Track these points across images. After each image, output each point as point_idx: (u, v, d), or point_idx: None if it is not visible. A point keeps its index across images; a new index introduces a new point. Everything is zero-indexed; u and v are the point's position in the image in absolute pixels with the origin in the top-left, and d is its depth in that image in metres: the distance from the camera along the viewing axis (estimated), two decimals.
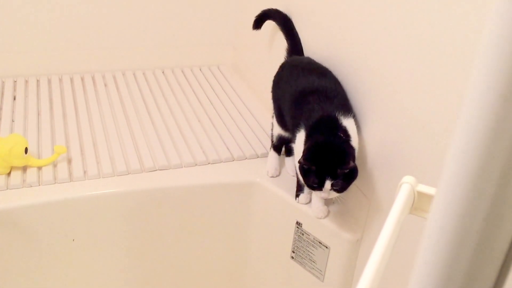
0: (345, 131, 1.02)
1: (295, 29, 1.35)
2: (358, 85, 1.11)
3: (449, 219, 0.27)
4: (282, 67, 1.26)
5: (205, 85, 1.71)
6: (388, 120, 1.01)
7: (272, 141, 1.31)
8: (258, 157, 1.39)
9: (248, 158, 1.38)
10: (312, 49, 1.30)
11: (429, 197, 0.49)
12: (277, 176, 1.30)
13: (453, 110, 0.81)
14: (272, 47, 1.54)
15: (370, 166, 1.10)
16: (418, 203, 0.50)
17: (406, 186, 0.49)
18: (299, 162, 1.00)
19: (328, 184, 0.98)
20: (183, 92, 1.66)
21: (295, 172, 1.24)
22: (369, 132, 1.09)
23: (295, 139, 1.10)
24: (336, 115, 1.03)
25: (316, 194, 1.06)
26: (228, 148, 1.40)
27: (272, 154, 1.31)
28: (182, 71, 1.78)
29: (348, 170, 0.97)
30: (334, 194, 1.01)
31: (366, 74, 1.07)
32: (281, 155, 1.33)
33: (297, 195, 1.21)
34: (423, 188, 0.50)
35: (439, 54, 0.84)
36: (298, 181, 1.19)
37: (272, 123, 1.30)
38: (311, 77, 1.13)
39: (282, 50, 1.39)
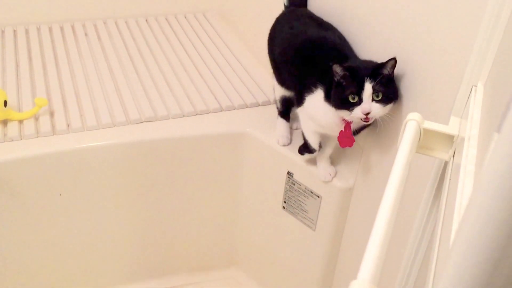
0: None
1: None
2: (355, 28, 1.06)
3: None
4: (278, 21, 1.15)
5: (191, 34, 1.64)
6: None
7: (277, 107, 1.22)
8: (247, 106, 1.35)
9: (237, 108, 1.34)
10: None
11: (435, 134, 0.46)
12: (288, 144, 1.21)
13: (449, 51, 0.77)
14: None
15: None
16: (424, 141, 0.47)
17: (412, 124, 0.45)
18: (331, 66, 0.88)
19: (368, 87, 0.85)
20: (168, 41, 1.59)
21: (285, 141, 1.20)
22: None
23: (302, 102, 1.02)
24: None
25: (354, 115, 0.88)
26: (216, 98, 1.35)
27: (280, 121, 1.22)
28: (167, 19, 1.71)
29: (389, 70, 0.87)
30: (377, 111, 0.87)
31: (366, 17, 1.02)
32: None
33: (302, 153, 1.14)
34: (430, 125, 0.46)
35: None
36: (305, 142, 1.11)
37: (273, 86, 1.21)
38: (317, 30, 1.03)
39: None
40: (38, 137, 1.18)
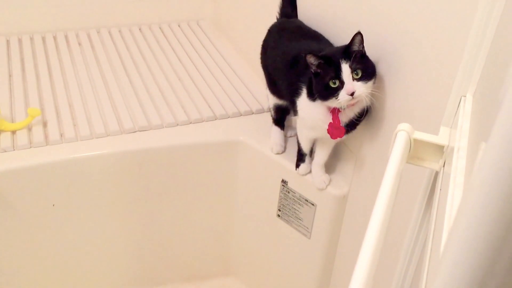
0: None
1: None
2: (345, 37, 1.06)
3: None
4: (270, 32, 1.16)
5: (184, 42, 1.65)
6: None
7: (271, 115, 1.23)
8: (241, 115, 1.35)
9: (231, 117, 1.34)
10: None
11: (426, 144, 0.46)
12: (282, 152, 1.21)
13: (433, 65, 0.77)
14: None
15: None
16: (415, 151, 0.47)
17: (402, 134, 0.46)
18: (305, 57, 0.90)
19: (345, 68, 0.87)
20: (162, 50, 1.59)
21: (279, 149, 1.20)
22: None
23: (296, 108, 1.02)
24: None
25: (341, 100, 0.88)
26: (210, 107, 1.35)
27: (274, 129, 1.23)
28: (160, 28, 1.71)
29: (358, 46, 0.88)
30: (360, 89, 0.87)
31: (355, 27, 1.03)
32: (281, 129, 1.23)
33: (297, 165, 1.15)
34: (419, 135, 0.47)
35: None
36: (299, 150, 1.14)
37: (267, 95, 1.22)
38: (306, 40, 1.05)
39: (265, 2, 1.33)
40: (31, 147, 1.18)
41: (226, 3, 1.68)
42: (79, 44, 1.58)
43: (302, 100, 1.00)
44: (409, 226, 0.55)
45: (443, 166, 0.48)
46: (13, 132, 1.20)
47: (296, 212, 1.22)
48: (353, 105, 0.93)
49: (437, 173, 0.49)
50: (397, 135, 0.46)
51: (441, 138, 0.47)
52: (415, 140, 0.47)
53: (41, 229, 1.22)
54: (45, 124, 1.24)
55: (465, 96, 0.49)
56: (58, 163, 1.17)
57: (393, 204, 0.44)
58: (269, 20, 1.20)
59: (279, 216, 1.28)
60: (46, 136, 1.20)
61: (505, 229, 0.26)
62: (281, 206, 1.26)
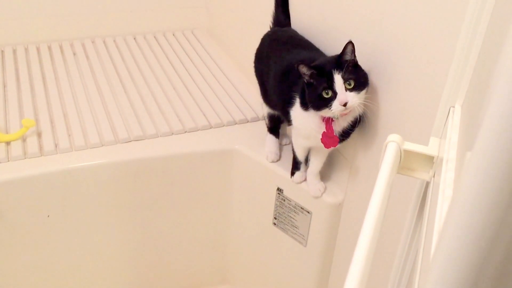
0: None
1: None
2: (337, 47, 1.06)
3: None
4: (263, 41, 1.17)
5: (179, 51, 1.65)
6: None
7: (266, 124, 1.24)
8: (236, 123, 1.35)
9: (226, 125, 1.34)
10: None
11: (416, 155, 0.46)
12: (277, 160, 1.21)
13: (424, 73, 0.78)
14: (248, 8, 1.48)
15: None
16: (405, 162, 0.47)
17: (392, 145, 0.46)
18: (297, 67, 0.90)
19: (338, 78, 0.87)
20: (157, 59, 1.59)
21: (274, 157, 1.20)
22: None
23: (289, 118, 1.02)
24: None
25: (334, 110, 0.89)
26: (205, 115, 1.35)
27: (269, 137, 1.23)
28: (155, 37, 1.71)
29: (350, 55, 0.89)
30: (353, 99, 0.87)
31: (346, 37, 1.03)
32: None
33: (292, 173, 1.16)
34: (410, 146, 0.47)
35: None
36: (294, 158, 1.14)
37: (262, 104, 1.22)
38: (298, 50, 1.05)
39: (259, 11, 1.34)
40: (25, 158, 1.17)
41: (220, 12, 1.69)
42: (74, 54, 1.59)
43: (296, 110, 1.00)
44: (401, 236, 0.55)
45: (433, 176, 0.48)
46: (8, 143, 1.20)
47: (292, 220, 1.22)
48: (346, 114, 0.94)
49: (428, 184, 0.49)
50: (387, 146, 0.46)
51: (431, 148, 0.48)
52: (405, 151, 0.47)
53: (36, 240, 1.22)
54: (39, 135, 1.24)
55: (453, 107, 0.50)
56: (53, 174, 1.16)
57: (384, 215, 0.44)
58: (263, 29, 1.21)
59: (275, 224, 1.28)
60: (40, 147, 1.20)
61: (491, 237, 0.26)
62: (277, 214, 1.26)
